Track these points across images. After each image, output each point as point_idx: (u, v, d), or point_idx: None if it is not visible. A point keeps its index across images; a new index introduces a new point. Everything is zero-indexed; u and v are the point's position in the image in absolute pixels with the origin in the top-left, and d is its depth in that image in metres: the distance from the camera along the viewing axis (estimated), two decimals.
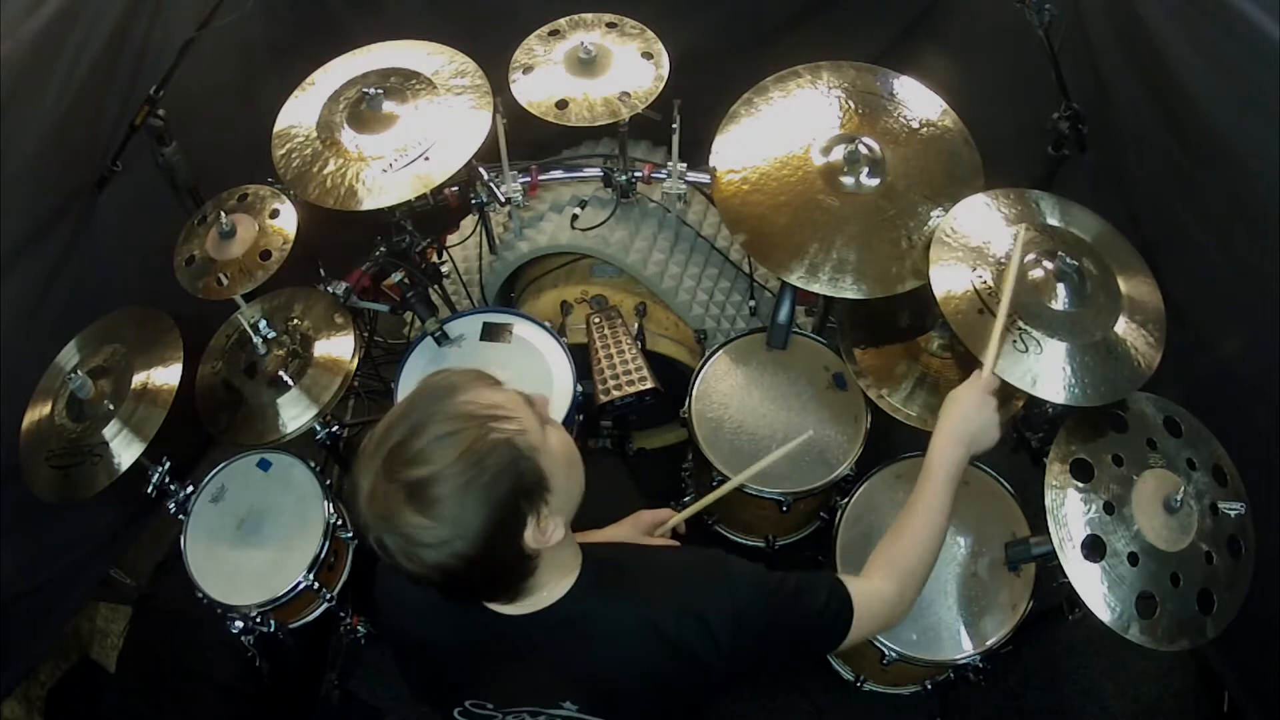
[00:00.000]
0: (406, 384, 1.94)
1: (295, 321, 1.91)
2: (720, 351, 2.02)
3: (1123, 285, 1.58)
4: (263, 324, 1.83)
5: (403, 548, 0.93)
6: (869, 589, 1.20)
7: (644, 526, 1.50)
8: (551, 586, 1.07)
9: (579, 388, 1.92)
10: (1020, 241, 1.53)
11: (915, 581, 1.25)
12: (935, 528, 1.27)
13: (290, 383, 1.82)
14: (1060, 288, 1.53)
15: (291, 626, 1.90)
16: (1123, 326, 1.53)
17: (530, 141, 2.27)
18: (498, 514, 0.93)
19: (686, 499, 2.20)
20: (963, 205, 1.66)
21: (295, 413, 1.79)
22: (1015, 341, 1.49)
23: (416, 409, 0.95)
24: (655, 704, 1.14)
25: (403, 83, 1.92)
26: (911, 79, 1.87)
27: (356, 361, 1.84)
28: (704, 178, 2.18)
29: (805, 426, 1.90)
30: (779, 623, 1.15)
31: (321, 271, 2.00)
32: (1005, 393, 1.45)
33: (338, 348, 1.86)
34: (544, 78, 1.98)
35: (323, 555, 1.81)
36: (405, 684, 1.28)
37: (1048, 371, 1.47)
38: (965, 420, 1.34)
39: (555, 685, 1.12)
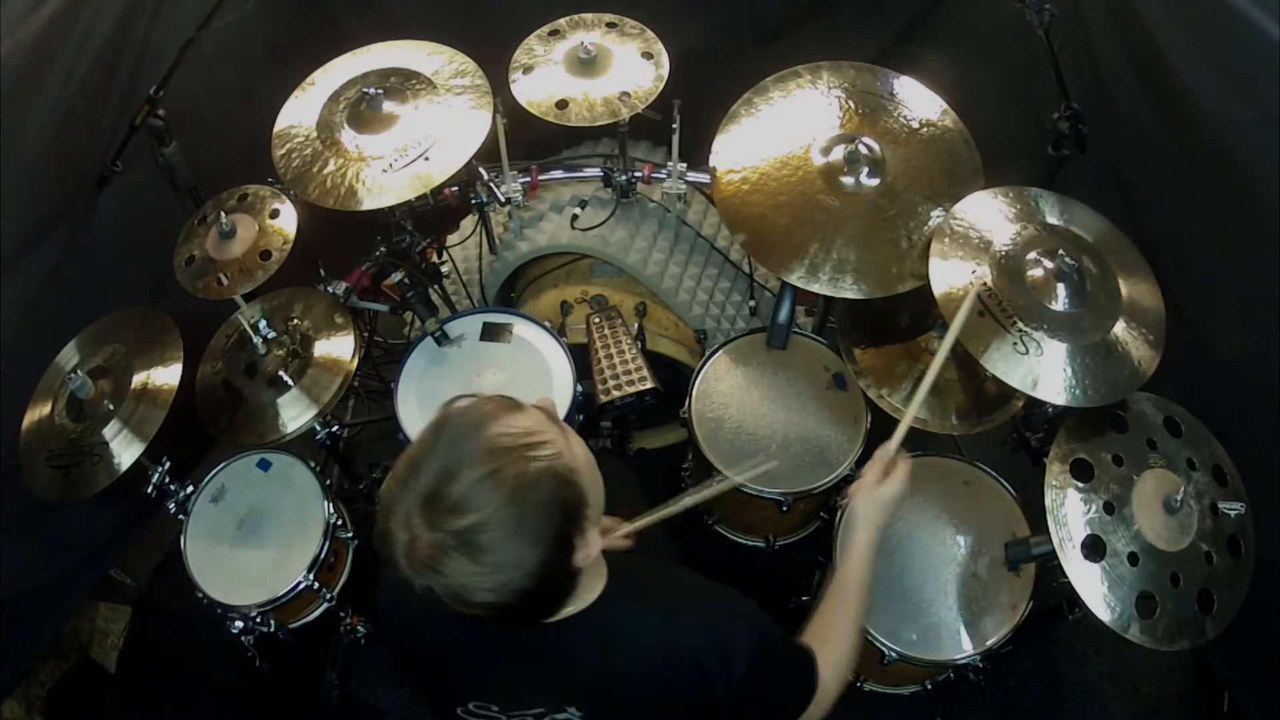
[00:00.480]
0: (406, 384, 1.94)
1: (295, 321, 1.91)
2: (720, 351, 2.02)
3: (1123, 285, 1.58)
4: (263, 324, 1.83)
5: (455, 594, 0.90)
6: (824, 687, 1.21)
7: None
8: (582, 597, 1.06)
9: (579, 388, 1.92)
10: (960, 319, 1.45)
11: (843, 684, 1.27)
12: (862, 622, 1.33)
13: (290, 383, 1.82)
14: (1060, 288, 1.54)
15: (291, 626, 1.90)
16: (1122, 327, 1.53)
17: (530, 141, 2.26)
18: (550, 546, 0.92)
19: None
20: (964, 203, 1.66)
21: (295, 413, 1.79)
22: (1015, 344, 1.49)
23: (445, 448, 0.90)
24: None
25: (403, 83, 1.92)
26: (911, 79, 1.87)
27: (356, 361, 1.84)
28: (704, 178, 2.18)
29: (805, 426, 1.90)
30: (777, 671, 1.16)
31: (321, 271, 2.00)
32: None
33: (338, 348, 1.86)
34: (544, 78, 1.98)
35: (323, 555, 1.81)
36: (404, 682, 1.28)
37: (1048, 373, 1.47)
38: (881, 524, 1.36)
39: (565, 689, 1.11)
